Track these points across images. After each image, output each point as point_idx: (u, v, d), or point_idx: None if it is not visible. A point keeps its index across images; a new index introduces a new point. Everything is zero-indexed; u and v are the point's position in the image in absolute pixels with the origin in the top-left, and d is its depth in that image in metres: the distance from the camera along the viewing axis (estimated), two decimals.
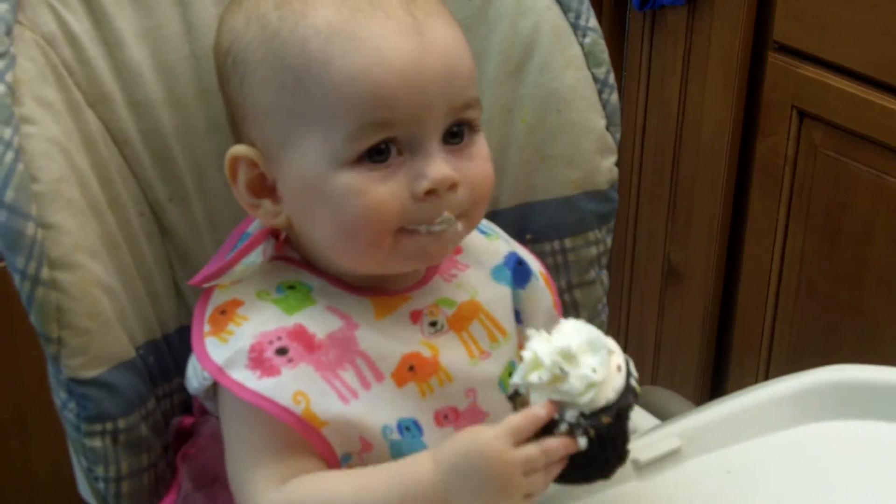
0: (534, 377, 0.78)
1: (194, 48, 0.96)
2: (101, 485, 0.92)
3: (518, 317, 0.95)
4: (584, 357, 0.78)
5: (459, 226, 0.85)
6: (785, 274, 1.66)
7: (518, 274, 0.95)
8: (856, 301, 1.57)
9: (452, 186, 0.83)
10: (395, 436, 0.85)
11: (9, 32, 0.86)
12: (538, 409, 0.78)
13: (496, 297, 0.93)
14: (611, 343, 0.81)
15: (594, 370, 0.78)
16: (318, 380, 0.83)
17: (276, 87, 0.83)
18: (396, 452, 0.85)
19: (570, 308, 1.08)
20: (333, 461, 0.84)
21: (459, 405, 0.88)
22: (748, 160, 1.68)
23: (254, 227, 0.92)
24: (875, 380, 0.99)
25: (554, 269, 1.06)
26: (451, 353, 0.89)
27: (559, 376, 0.77)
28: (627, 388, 0.80)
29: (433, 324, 0.89)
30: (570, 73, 1.04)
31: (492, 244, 0.96)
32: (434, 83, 0.82)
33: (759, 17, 1.60)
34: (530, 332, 0.81)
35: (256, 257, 0.88)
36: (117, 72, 0.93)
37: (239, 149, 0.86)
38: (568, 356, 0.78)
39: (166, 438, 0.97)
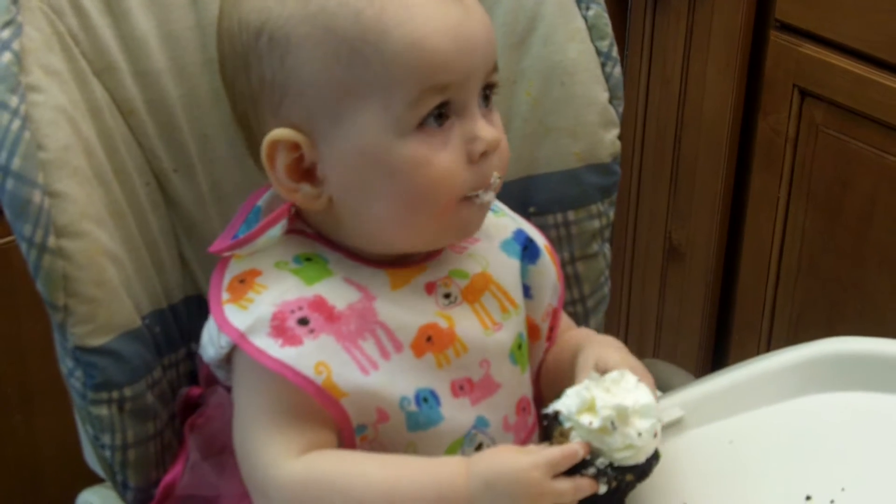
0: (584, 419, 0.82)
1: (199, 18, 0.96)
2: (108, 453, 0.92)
3: (527, 292, 0.96)
4: (635, 419, 0.82)
5: (492, 193, 0.87)
6: (786, 251, 1.66)
7: (529, 251, 0.96)
8: (856, 278, 1.57)
9: (497, 146, 0.86)
10: (413, 407, 0.85)
11: (15, 1, 0.87)
12: (577, 449, 0.80)
13: (506, 269, 0.94)
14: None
15: (640, 434, 0.81)
16: (340, 350, 0.84)
17: (327, 61, 0.82)
18: (413, 424, 0.86)
19: (572, 281, 1.08)
20: (348, 431, 0.84)
21: (474, 376, 0.89)
22: (749, 139, 1.68)
23: (263, 201, 0.92)
24: (876, 351, 1.00)
25: (557, 242, 1.06)
26: (465, 323, 0.89)
27: (608, 429, 0.81)
28: (655, 454, 0.83)
29: (447, 295, 0.90)
30: (573, 45, 1.05)
31: (499, 220, 0.97)
32: (479, 47, 0.84)
33: None
34: (592, 373, 0.85)
35: (277, 230, 0.88)
36: (123, 41, 0.93)
37: (279, 132, 0.84)
38: (623, 415, 0.81)
39: (172, 408, 0.97)
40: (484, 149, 0.85)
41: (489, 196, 0.86)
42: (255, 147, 0.87)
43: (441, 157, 0.83)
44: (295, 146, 0.85)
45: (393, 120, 0.82)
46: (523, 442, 0.93)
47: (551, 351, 0.99)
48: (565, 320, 1.01)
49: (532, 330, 0.96)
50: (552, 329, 0.98)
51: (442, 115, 0.83)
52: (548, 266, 0.97)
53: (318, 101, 0.83)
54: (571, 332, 1.01)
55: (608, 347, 0.91)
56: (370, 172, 0.84)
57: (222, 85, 0.91)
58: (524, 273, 0.96)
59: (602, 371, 0.86)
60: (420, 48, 0.81)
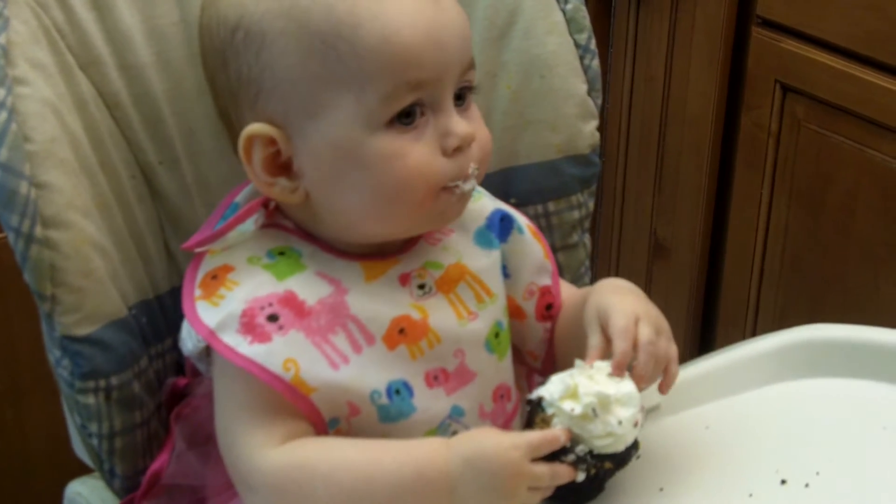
0: (566, 405, 0.83)
1: (184, 13, 0.97)
2: (95, 441, 0.93)
3: (504, 271, 0.97)
4: (616, 408, 0.83)
5: (473, 182, 0.88)
6: (769, 246, 1.67)
7: (501, 229, 0.97)
8: (839, 272, 1.59)
9: (471, 142, 0.86)
10: (384, 400, 0.86)
11: None
12: (558, 435, 0.82)
13: (481, 260, 0.95)
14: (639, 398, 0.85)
15: (620, 423, 0.83)
16: (309, 346, 0.85)
17: (302, 55, 0.83)
18: (384, 416, 0.87)
19: None
20: (321, 425, 0.85)
21: (448, 366, 0.90)
22: (733, 134, 1.69)
23: (242, 198, 0.93)
24: (851, 338, 1.01)
25: None
26: (439, 314, 0.90)
27: (589, 416, 0.82)
28: (635, 443, 0.85)
29: (421, 286, 0.91)
30: (552, 38, 1.06)
31: (476, 204, 0.97)
32: (451, 44, 0.85)
33: None
34: (577, 361, 0.86)
35: (249, 225, 0.89)
36: (108, 35, 0.94)
37: (255, 127, 0.85)
38: (605, 403, 0.83)
39: (159, 397, 0.98)
40: (458, 144, 0.85)
41: (469, 185, 0.87)
42: (236, 141, 0.88)
43: (415, 149, 0.84)
44: (271, 141, 0.85)
45: (366, 114, 0.83)
46: (502, 428, 0.93)
47: (559, 322, 0.99)
48: (577, 291, 1.01)
49: (515, 311, 0.97)
50: (549, 307, 0.98)
51: (414, 112, 0.84)
52: (528, 245, 0.98)
53: (292, 95, 0.84)
54: (577, 292, 1.00)
55: (608, 294, 0.90)
56: (344, 166, 0.85)
57: (205, 80, 0.92)
58: (501, 254, 0.96)
59: (603, 321, 0.87)
60: (393, 42, 0.82)
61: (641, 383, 0.85)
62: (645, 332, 0.86)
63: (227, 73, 0.86)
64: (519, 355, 1.00)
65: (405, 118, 0.84)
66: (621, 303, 0.87)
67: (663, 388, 0.88)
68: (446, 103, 0.85)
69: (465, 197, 0.88)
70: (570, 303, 0.98)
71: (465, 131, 0.86)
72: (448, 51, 0.85)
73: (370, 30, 0.82)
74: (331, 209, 0.88)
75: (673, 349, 0.89)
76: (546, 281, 0.98)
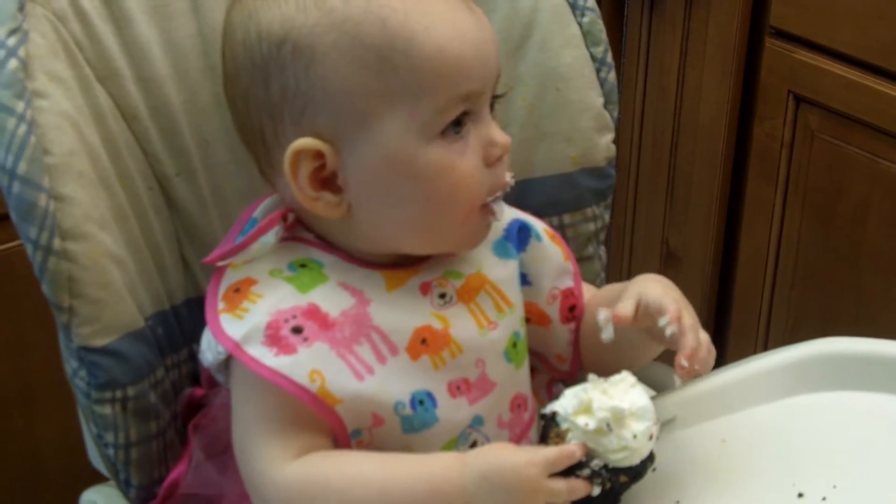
0: (580, 420, 0.83)
1: (201, 26, 0.97)
2: (111, 451, 0.93)
3: (524, 279, 0.97)
4: (631, 422, 0.83)
5: (502, 203, 0.89)
6: (782, 257, 1.67)
7: (519, 240, 0.97)
8: (852, 283, 1.58)
9: (509, 150, 0.89)
10: (407, 410, 0.87)
11: (21, 8, 0.88)
12: (574, 450, 0.82)
13: (500, 270, 0.95)
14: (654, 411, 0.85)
15: (635, 436, 0.83)
16: (334, 357, 0.85)
17: (355, 68, 0.83)
18: (407, 427, 0.87)
19: None
20: (344, 437, 0.86)
21: (470, 376, 0.90)
22: (745, 145, 1.69)
23: (259, 213, 0.93)
24: (867, 351, 1.01)
25: None
26: (461, 324, 0.90)
27: (603, 430, 0.82)
28: (650, 456, 0.85)
29: (442, 295, 0.91)
30: (568, 51, 1.06)
31: None
32: (492, 54, 0.87)
33: (755, 3, 1.61)
34: (590, 376, 0.86)
35: (270, 237, 0.89)
36: (126, 48, 0.95)
37: (303, 142, 0.84)
38: (619, 417, 0.83)
39: (174, 407, 0.98)
40: (501, 153, 0.87)
41: (499, 206, 0.89)
42: (266, 158, 0.88)
43: (463, 162, 0.85)
44: (318, 154, 0.85)
45: (419, 125, 0.84)
46: (519, 437, 0.94)
47: (583, 322, 0.99)
48: (599, 290, 1.02)
49: (539, 317, 0.98)
50: (573, 308, 0.99)
51: (461, 122, 0.85)
52: (547, 249, 0.98)
53: (344, 108, 0.84)
54: (609, 287, 1.02)
55: (649, 282, 0.92)
56: (396, 177, 0.85)
57: (226, 100, 0.91)
58: (520, 263, 0.97)
59: (643, 305, 0.88)
60: (446, 54, 0.83)
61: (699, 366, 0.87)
62: (689, 319, 0.88)
63: (269, 88, 0.86)
64: (544, 362, 1.01)
65: (455, 127, 0.85)
66: (664, 291, 0.90)
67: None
68: (485, 113, 0.87)
69: (495, 215, 0.89)
70: (593, 303, 0.99)
71: (507, 140, 0.88)
72: (490, 62, 0.86)
73: (424, 42, 0.83)
74: (374, 222, 0.88)
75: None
76: (568, 283, 0.99)
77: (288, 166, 0.85)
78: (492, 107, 0.89)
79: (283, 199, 0.91)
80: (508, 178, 0.89)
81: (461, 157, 0.85)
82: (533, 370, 0.99)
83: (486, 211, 0.88)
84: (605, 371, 0.89)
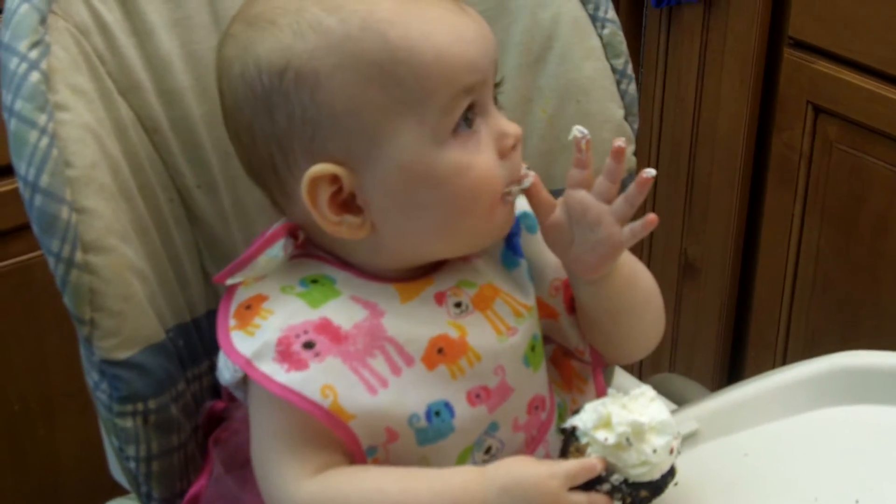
0: (600, 435, 0.83)
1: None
2: (132, 464, 0.93)
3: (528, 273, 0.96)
4: (651, 436, 0.83)
5: (526, 181, 0.89)
6: (801, 268, 1.67)
7: (516, 245, 0.96)
8: (872, 294, 1.58)
9: (520, 139, 0.89)
10: (422, 423, 0.86)
11: (43, 22, 0.88)
12: (595, 463, 0.82)
13: (510, 278, 0.95)
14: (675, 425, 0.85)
15: (655, 451, 0.83)
16: (346, 372, 0.85)
17: (360, 86, 0.83)
18: (422, 439, 0.87)
19: None
20: (359, 454, 0.85)
21: (490, 384, 0.90)
22: (764, 155, 1.69)
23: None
24: (887, 365, 1.01)
25: None
26: (478, 332, 0.90)
27: (623, 445, 0.82)
28: (671, 470, 0.85)
29: (458, 304, 0.91)
30: (589, 63, 1.06)
31: None
32: (490, 47, 0.87)
33: (774, 13, 1.62)
34: (610, 390, 0.86)
35: (277, 251, 0.88)
36: (147, 61, 0.95)
37: (318, 168, 0.84)
38: (639, 432, 0.83)
39: (195, 420, 0.98)
40: (513, 142, 0.87)
41: (524, 184, 0.89)
42: (280, 189, 0.88)
43: (480, 158, 0.86)
44: (334, 179, 0.85)
45: (430, 131, 0.84)
46: (536, 438, 0.94)
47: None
48: None
49: (548, 311, 0.97)
50: (573, 298, 0.98)
51: (469, 117, 0.86)
52: (543, 242, 0.96)
53: (354, 128, 0.84)
54: None
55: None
56: (415, 188, 0.85)
57: (229, 137, 0.91)
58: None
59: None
60: (446, 55, 0.83)
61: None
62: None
63: (275, 119, 0.85)
64: (572, 356, 1.01)
65: (465, 122, 0.85)
66: None
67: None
68: (490, 105, 0.88)
69: (514, 203, 0.90)
70: None
71: (517, 129, 0.88)
72: (489, 54, 0.87)
73: (424, 48, 0.83)
74: (400, 236, 0.88)
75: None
76: (562, 275, 0.98)
77: (306, 195, 0.85)
78: (495, 100, 0.89)
79: (301, 226, 0.90)
80: (524, 169, 0.89)
81: (477, 154, 0.85)
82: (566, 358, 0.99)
83: (504, 200, 0.88)
84: (614, 344, 0.94)
